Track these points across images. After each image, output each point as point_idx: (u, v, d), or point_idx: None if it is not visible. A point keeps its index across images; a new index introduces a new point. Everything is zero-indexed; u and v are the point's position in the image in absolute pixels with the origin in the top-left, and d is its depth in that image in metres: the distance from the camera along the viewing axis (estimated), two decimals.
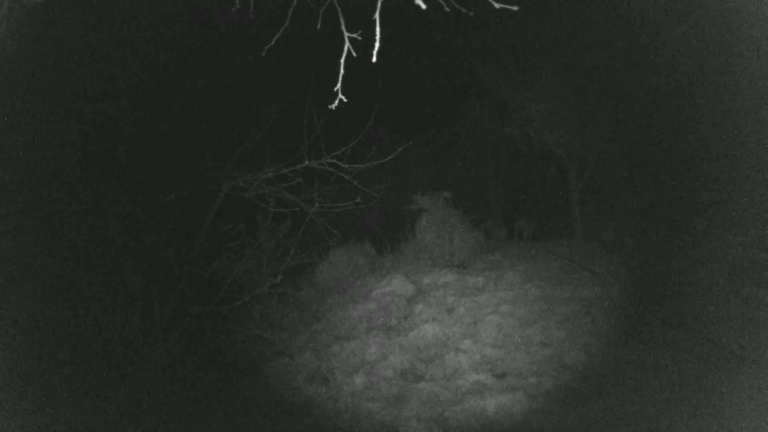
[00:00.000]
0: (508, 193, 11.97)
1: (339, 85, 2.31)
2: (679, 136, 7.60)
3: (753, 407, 3.90)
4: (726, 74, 6.67)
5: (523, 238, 10.59)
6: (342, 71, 2.32)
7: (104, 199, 4.79)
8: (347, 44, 2.28)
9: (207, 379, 5.07)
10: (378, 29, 2.11)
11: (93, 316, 4.67)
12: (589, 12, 7.96)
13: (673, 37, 7.27)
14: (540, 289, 6.61)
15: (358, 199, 5.25)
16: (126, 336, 4.81)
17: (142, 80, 4.91)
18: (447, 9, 2.24)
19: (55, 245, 4.46)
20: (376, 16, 2.14)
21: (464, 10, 2.32)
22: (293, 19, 2.83)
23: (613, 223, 9.01)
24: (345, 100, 2.36)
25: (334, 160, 4.97)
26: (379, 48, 2.11)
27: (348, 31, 2.28)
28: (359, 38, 2.28)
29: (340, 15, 2.38)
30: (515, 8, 1.98)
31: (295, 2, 2.80)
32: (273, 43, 2.83)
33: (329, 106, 2.43)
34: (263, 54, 2.92)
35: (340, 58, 2.30)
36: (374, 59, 2.15)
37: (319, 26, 2.60)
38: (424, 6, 1.89)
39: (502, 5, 2.00)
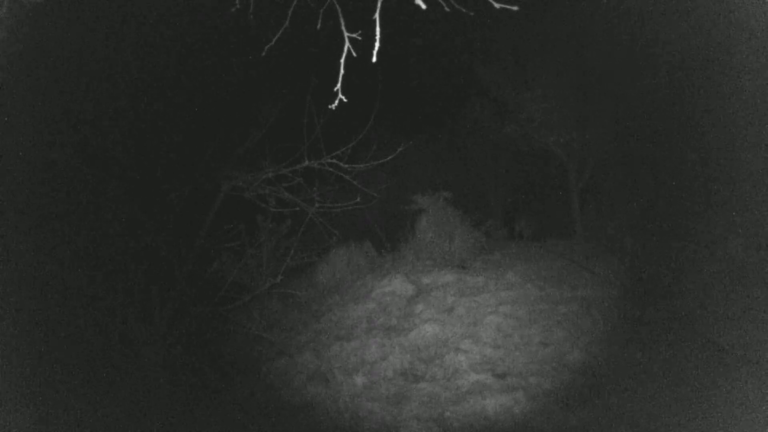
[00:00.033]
0: (508, 193, 11.97)
1: (339, 85, 2.32)
2: (679, 136, 7.61)
3: (752, 407, 3.89)
4: (726, 74, 6.68)
5: (523, 238, 10.59)
6: (342, 71, 2.32)
7: (104, 199, 4.78)
8: (347, 44, 2.28)
9: (207, 379, 5.07)
10: (378, 29, 2.11)
11: (93, 316, 4.67)
12: (589, 12, 7.97)
13: (673, 37, 7.28)
14: (540, 289, 6.62)
15: (358, 199, 5.24)
16: (126, 336, 4.80)
17: (142, 80, 4.91)
18: (447, 9, 2.24)
19: (55, 245, 4.46)
20: (376, 16, 2.14)
21: (464, 10, 2.32)
22: (293, 19, 2.84)
23: (613, 223, 9.01)
24: (345, 100, 2.36)
25: (334, 160, 4.96)
26: (379, 48, 2.11)
27: (348, 31, 2.28)
28: (359, 38, 2.28)
29: (340, 15, 2.38)
30: (515, 8, 1.99)
31: (295, 2, 2.80)
32: (273, 43, 2.84)
33: (329, 106, 2.43)
34: (263, 54, 2.93)
35: (340, 58, 2.30)
36: (374, 59, 2.15)
37: (319, 26, 2.60)
38: (424, 6, 1.89)
39: (502, 5, 2.00)
